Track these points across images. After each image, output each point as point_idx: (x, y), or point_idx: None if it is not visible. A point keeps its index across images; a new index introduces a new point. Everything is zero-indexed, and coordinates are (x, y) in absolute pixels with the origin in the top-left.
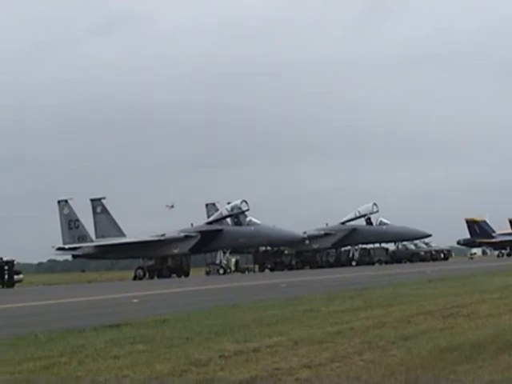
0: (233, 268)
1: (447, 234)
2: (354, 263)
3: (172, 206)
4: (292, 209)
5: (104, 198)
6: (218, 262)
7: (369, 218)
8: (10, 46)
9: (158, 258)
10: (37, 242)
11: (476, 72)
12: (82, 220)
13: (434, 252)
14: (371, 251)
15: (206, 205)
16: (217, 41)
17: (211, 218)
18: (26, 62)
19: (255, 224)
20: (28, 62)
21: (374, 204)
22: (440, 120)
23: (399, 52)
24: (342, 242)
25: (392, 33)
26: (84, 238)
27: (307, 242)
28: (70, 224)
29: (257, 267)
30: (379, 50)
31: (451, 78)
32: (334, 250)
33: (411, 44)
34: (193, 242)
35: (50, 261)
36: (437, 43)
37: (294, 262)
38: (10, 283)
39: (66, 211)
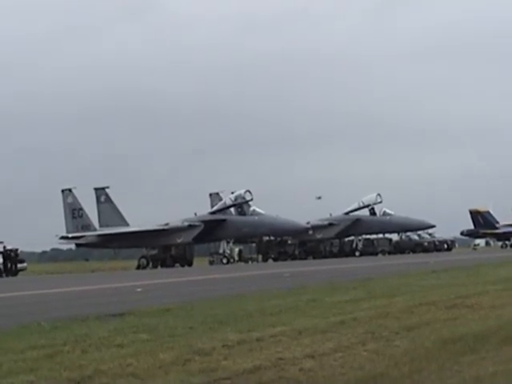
0: (236, 258)
1: (451, 224)
2: (357, 253)
3: (319, 198)
4: (295, 199)
5: (108, 187)
6: (221, 251)
7: (372, 209)
8: (29, 32)
9: (162, 248)
10: (40, 230)
11: (486, 63)
12: (86, 209)
13: (437, 243)
14: (375, 242)
15: (210, 194)
16: (232, 31)
17: (215, 208)
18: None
19: (259, 214)
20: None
21: (378, 194)
22: (445, 110)
23: (415, 41)
24: (346, 232)
25: (408, 22)
26: (88, 226)
27: (311, 232)
28: (74, 213)
29: (260, 257)
30: (394, 40)
31: (463, 68)
32: (337, 241)
33: (427, 33)
34: (196, 232)
35: (53, 250)
36: (454, 33)
37: (297, 252)
38: (14, 272)
39: (69, 200)
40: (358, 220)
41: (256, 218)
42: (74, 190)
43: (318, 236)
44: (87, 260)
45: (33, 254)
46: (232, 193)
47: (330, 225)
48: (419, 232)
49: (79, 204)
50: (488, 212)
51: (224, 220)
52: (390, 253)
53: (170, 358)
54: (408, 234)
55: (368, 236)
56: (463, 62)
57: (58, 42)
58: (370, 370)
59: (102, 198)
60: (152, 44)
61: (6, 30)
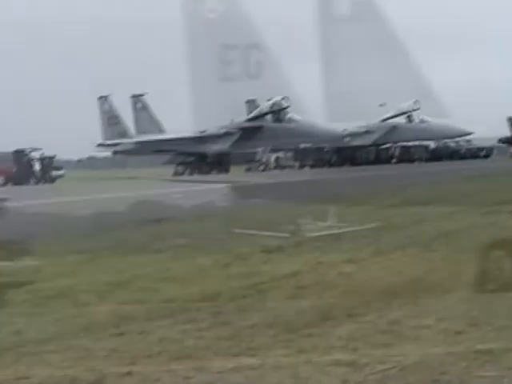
0: (273, 165)
1: (489, 131)
2: (393, 161)
3: (383, 105)
4: (331, 105)
5: (145, 93)
6: (258, 158)
7: (409, 116)
8: None
9: (198, 155)
10: (77, 138)
11: None
12: (123, 116)
13: (475, 150)
14: (411, 149)
15: (247, 101)
16: None
17: (251, 115)
18: None
19: (295, 121)
20: None
21: (416, 101)
22: (484, 15)
23: None
24: (382, 139)
25: None
26: (124, 134)
27: (347, 139)
28: (110, 120)
29: (297, 164)
30: None
31: None
32: (373, 148)
33: None
34: (233, 139)
35: (89, 158)
36: None
37: (333, 160)
38: (51, 178)
39: (106, 107)
40: (394, 127)
41: (293, 125)
42: (110, 97)
43: (355, 143)
44: (124, 167)
45: (69, 162)
46: (269, 100)
47: (367, 132)
48: (456, 139)
49: (115, 111)
50: None
51: (261, 127)
52: (426, 160)
53: (209, 262)
54: (445, 141)
55: (404, 143)
56: None
57: None
58: (408, 274)
59: (139, 105)
60: None
61: None
